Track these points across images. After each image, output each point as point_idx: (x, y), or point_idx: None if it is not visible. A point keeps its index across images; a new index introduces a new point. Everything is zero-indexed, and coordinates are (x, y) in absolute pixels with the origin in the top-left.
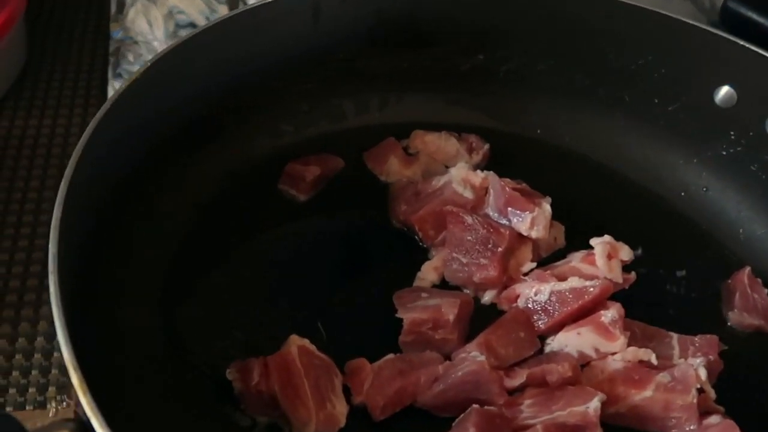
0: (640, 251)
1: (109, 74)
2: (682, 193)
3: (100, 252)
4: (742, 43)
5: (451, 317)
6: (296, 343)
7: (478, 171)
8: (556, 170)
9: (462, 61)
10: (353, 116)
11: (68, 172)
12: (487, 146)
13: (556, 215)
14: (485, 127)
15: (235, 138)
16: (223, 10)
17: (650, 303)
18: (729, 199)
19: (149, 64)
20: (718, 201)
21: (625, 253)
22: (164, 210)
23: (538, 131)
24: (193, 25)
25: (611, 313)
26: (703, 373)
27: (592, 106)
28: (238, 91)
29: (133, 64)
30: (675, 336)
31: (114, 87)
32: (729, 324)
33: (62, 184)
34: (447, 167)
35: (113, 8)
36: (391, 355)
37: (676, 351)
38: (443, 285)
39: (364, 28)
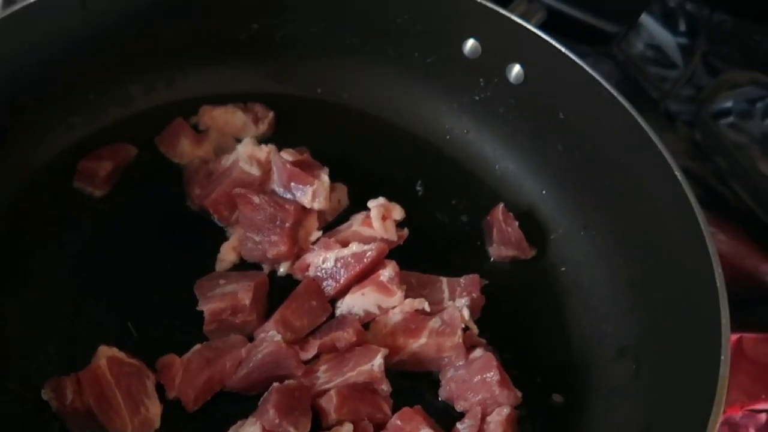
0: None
1: None
2: (447, 137)
3: None
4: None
5: (248, 301)
6: (105, 354)
7: (263, 145)
8: (337, 127)
9: (239, 30)
10: (142, 98)
11: None
12: (271, 114)
13: (339, 175)
14: (270, 93)
15: (23, 140)
16: None
17: (425, 248)
18: (486, 140)
19: None
20: (477, 142)
21: (397, 212)
22: None
23: (319, 91)
24: None
25: (388, 272)
26: (466, 313)
27: (362, 63)
28: (20, 91)
29: None
30: (444, 280)
31: None
32: (491, 258)
33: None
34: (237, 140)
35: None
36: (198, 346)
37: (446, 294)
38: (242, 262)
39: (136, 10)
